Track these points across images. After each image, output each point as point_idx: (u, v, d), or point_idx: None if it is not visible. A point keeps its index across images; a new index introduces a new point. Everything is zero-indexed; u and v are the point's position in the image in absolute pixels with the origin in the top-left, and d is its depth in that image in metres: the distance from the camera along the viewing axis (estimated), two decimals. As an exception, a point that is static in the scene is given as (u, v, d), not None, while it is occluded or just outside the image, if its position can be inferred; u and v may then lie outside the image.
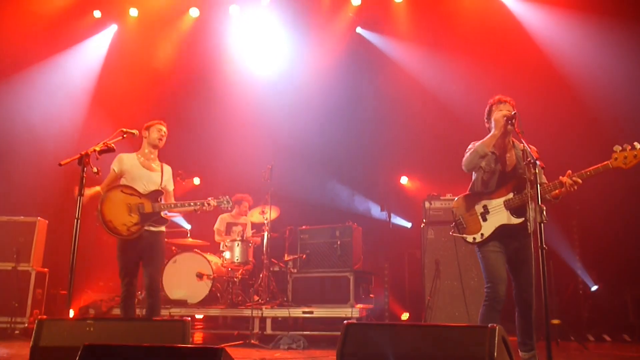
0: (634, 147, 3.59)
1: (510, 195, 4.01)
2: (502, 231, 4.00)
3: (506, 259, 4.04)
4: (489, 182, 4.13)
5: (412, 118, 8.72)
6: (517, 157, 4.11)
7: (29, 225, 7.37)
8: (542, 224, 3.46)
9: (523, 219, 3.92)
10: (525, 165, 3.77)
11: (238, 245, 7.14)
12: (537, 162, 3.55)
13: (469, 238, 4.11)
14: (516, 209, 3.97)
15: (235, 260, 7.09)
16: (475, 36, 8.41)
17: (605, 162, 3.67)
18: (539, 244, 3.41)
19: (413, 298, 7.90)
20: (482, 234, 4.05)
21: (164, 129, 5.16)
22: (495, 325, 2.43)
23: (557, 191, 3.85)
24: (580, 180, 3.73)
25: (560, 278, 6.94)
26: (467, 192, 4.28)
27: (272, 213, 7.23)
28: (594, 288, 7.34)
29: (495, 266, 3.97)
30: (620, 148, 3.61)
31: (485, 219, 4.08)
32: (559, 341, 6.11)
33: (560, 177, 3.80)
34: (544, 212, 3.59)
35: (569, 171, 3.79)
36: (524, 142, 3.73)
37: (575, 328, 6.60)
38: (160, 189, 5.06)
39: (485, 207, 4.10)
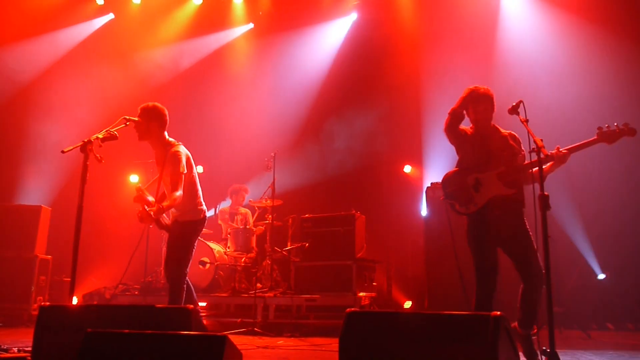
0: (616, 126, 3.90)
1: (502, 168, 4.11)
2: (495, 202, 4.08)
3: (499, 240, 4.10)
4: (479, 160, 4.22)
5: (414, 107, 8.69)
6: (503, 139, 4.23)
7: (33, 213, 7.39)
8: (545, 213, 3.45)
9: (516, 190, 4.07)
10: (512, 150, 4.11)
11: (240, 233, 7.15)
12: (541, 150, 3.56)
13: (463, 209, 4.18)
14: (508, 182, 4.09)
15: (238, 248, 7.10)
16: (476, 23, 8.39)
17: (592, 139, 3.92)
18: (543, 233, 3.40)
19: (416, 286, 7.91)
20: (476, 204, 4.13)
21: None
22: (498, 313, 2.42)
23: (546, 166, 3.96)
24: (567, 152, 3.92)
25: (564, 266, 6.94)
26: (456, 169, 4.34)
27: (275, 201, 7.23)
28: (602, 277, 7.32)
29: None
30: (605, 127, 3.90)
31: (477, 190, 4.16)
32: (562, 329, 6.12)
33: (550, 152, 3.88)
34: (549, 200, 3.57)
35: (558, 146, 3.95)
36: (529, 129, 3.71)
37: (579, 316, 6.60)
38: None
39: (477, 179, 4.18)
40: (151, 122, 4.71)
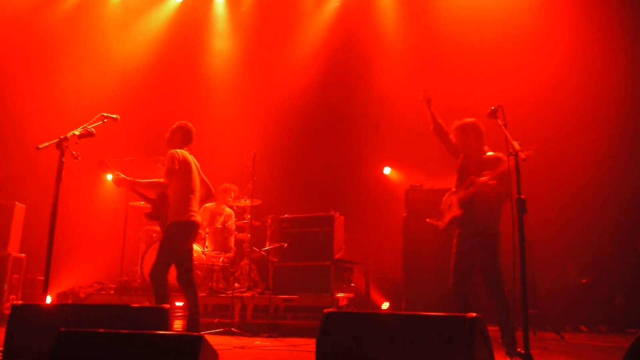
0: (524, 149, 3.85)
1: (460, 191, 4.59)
2: (455, 222, 4.61)
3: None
4: (459, 180, 4.66)
5: (395, 109, 8.73)
6: (483, 162, 4.53)
7: (7, 210, 7.24)
8: (521, 216, 3.51)
9: (463, 210, 4.51)
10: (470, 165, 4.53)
11: (219, 233, 7.11)
12: (518, 153, 3.62)
13: (439, 224, 4.80)
14: (463, 204, 4.53)
15: (216, 248, 7.05)
16: (459, 28, 8.48)
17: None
18: (519, 236, 3.46)
19: (394, 287, 7.95)
20: (444, 222, 4.75)
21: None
22: (473, 314, 2.45)
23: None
24: (489, 180, 4.29)
25: (539, 269, 7.03)
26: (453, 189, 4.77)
27: (254, 201, 7.20)
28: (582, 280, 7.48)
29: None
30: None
31: (450, 210, 4.71)
32: (537, 331, 6.20)
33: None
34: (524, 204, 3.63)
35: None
36: (507, 133, 3.76)
37: (552, 318, 6.69)
38: None
39: (452, 200, 4.69)
40: (175, 135, 5.32)
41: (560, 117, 7.73)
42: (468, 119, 4.68)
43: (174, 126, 5.36)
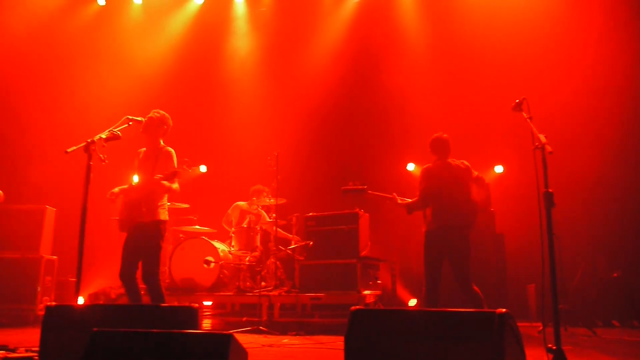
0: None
1: None
2: None
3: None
4: None
5: (417, 104, 8.68)
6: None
7: (38, 214, 7.40)
8: (549, 210, 3.46)
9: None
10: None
11: (244, 232, 7.16)
12: (544, 147, 3.57)
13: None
14: None
15: (242, 247, 7.11)
16: (481, 23, 8.41)
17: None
18: (548, 230, 3.41)
19: (421, 284, 7.89)
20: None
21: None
22: (503, 310, 2.42)
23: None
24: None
25: (568, 264, 6.93)
26: None
27: (278, 200, 7.23)
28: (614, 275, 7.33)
29: None
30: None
31: None
32: (567, 327, 6.10)
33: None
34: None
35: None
36: (532, 126, 3.71)
37: (583, 314, 6.59)
38: None
39: None
40: (163, 125, 5.10)
41: (591, 109, 7.60)
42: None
43: (161, 115, 5.12)
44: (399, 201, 5.22)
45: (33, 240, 7.27)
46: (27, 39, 8.71)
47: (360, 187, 5.35)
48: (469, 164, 5.24)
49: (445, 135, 5.30)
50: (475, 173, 5.23)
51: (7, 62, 8.35)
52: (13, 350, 4.16)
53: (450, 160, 5.23)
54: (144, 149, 5.19)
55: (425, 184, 5.13)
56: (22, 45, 8.61)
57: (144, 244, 4.89)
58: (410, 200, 5.21)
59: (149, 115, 5.02)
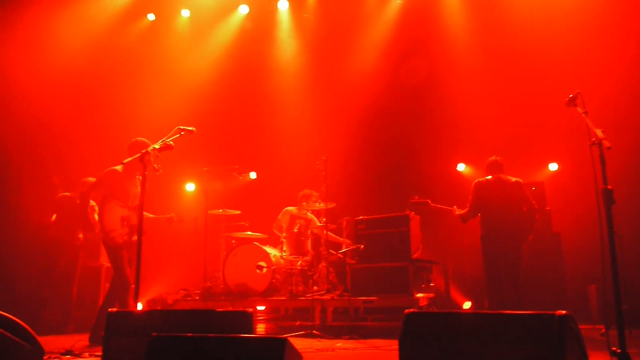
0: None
1: None
2: None
3: None
4: None
5: (467, 105, 8.55)
6: None
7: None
8: (609, 207, 3.34)
9: None
10: None
11: (294, 237, 7.22)
12: (602, 142, 3.45)
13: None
14: None
15: (294, 252, 7.16)
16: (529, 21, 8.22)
17: None
18: (608, 228, 3.29)
19: (474, 286, 7.75)
20: None
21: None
22: (563, 312, 2.35)
23: None
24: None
25: (630, 263, 6.65)
26: None
27: (328, 204, 7.25)
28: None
29: None
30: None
31: None
32: (632, 329, 5.84)
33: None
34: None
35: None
36: (588, 121, 3.59)
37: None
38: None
39: None
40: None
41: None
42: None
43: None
44: (457, 212, 6.22)
45: (94, 249, 7.58)
46: (82, 56, 9.04)
47: (424, 200, 6.50)
48: (521, 181, 6.01)
49: (499, 158, 6.14)
50: (527, 193, 5.98)
51: (63, 79, 8.70)
52: (78, 355, 4.33)
53: (501, 175, 6.05)
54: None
55: (475, 195, 6.08)
56: (77, 63, 8.94)
57: None
58: (463, 211, 6.20)
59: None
